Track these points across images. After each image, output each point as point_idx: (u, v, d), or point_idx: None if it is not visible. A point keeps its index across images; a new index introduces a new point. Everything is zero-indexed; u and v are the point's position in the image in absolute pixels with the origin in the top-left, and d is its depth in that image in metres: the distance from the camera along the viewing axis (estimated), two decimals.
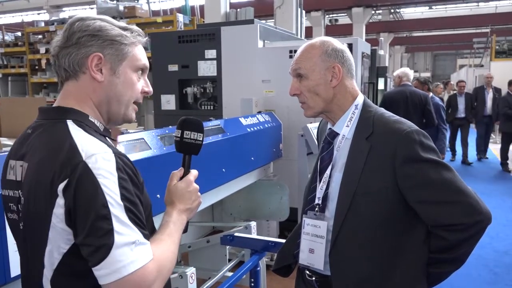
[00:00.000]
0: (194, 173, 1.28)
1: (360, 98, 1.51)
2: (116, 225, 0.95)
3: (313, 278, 1.53)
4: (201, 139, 1.29)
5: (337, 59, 1.45)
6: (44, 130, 1.08)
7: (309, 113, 1.52)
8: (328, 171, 1.48)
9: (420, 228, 1.42)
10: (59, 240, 1.00)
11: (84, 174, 0.96)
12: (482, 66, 20.40)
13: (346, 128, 1.47)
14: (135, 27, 1.18)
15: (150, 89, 1.22)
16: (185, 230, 1.24)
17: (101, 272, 0.95)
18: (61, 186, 0.96)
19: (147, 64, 1.21)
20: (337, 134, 1.50)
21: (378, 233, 1.39)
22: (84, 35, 1.09)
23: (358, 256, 1.41)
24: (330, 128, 1.54)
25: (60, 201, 0.97)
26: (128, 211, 0.98)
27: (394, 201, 1.37)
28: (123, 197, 0.98)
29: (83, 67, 1.10)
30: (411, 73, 5.40)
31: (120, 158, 1.03)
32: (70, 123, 1.07)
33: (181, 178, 1.26)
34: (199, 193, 1.26)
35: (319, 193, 1.49)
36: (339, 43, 1.50)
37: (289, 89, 1.51)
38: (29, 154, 1.07)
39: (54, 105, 1.14)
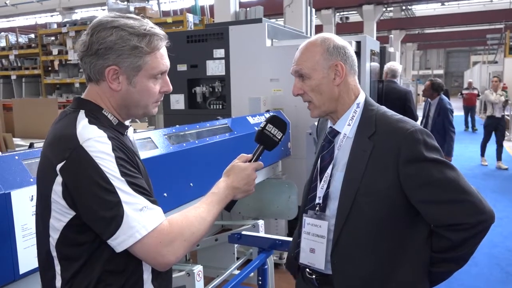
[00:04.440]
0: (259, 163, 1.38)
1: (362, 97, 1.50)
2: (122, 196, 1.06)
3: (313, 276, 1.52)
4: (279, 137, 1.42)
5: (339, 56, 1.43)
6: (63, 117, 1.19)
7: (316, 113, 1.49)
8: (329, 170, 1.46)
9: (422, 228, 1.41)
10: (57, 213, 1.11)
11: (82, 156, 1.06)
12: (496, 62, 20.15)
13: (347, 126, 1.46)
14: (157, 31, 1.20)
15: (169, 87, 1.27)
16: (229, 208, 1.33)
17: (117, 240, 1.06)
18: (59, 166, 1.07)
19: (166, 67, 1.24)
20: (338, 132, 1.48)
21: (380, 232, 1.38)
22: (101, 47, 1.14)
23: (360, 255, 1.40)
24: (330, 127, 1.52)
25: (59, 179, 1.08)
26: (130, 184, 1.08)
27: (397, 200, 1.36)
28: (123, 173, 1.08)
29: (102, 75, 1.18)
30: (399, 69, 5.35)
31: (114, 141, 1.12)
32: (81, 113, 1.17)
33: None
34: (254, 182, 1.36)
35: (320, 192, 1.48)
36: (340, 40, 1.47)
37: (292, 89, 1.49)
38: (47, 139, 1.19)
39: (77, 96, 1.25)
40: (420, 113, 5.56)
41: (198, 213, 1.18)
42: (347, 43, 1.48)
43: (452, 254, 1.39)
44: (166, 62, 1.23)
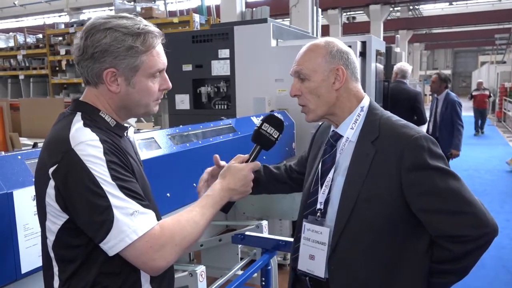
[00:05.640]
0: (256, 163, 1.37)
1: (366, 100, 1.46)
2: (113, 201, 1.05)
3: (307, 278, 1.49)
4: (276, 136, 1.42)
5: (341, 60, 1.40)
6: (61, 119, 1.19)
7: (311, 116, 1.46)
8: (330, 175, 1.43)
9: (423, 238, 1.38)
10: (52, 216, 1.12)
11: (73, 160, 1.06)
12: (504, 62, 19.99)
13: (350, 130, 1.42)
14: (151, 29, 1.19)
15: (168, 85, 1.26)
16: (226, 210, 1.33)
17: (108, 244, 1.05)
18: (51, 170, 1.07)
19: (164, 64, 1.23)
20: (341, 136, 1.45)
21: (379, 240, 1.34)
22: (96, 50, 1.13)
23: (358, 263, 1.36)
24: (333, 130, 1.49)
25: (51, 183, 1.08)
26: (122, 188, 1.07)
27: (397, 208, 1.33)
28: (114, 177, 1.07)
29: (100, 79, 1.17)
30: (409, 69, 5.32)
31: (107, 144, 1.11)
32: (77, 116, 1.17)
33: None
34: (251, 183, 1.35)
35: (321, 197, 1.44)
36: (344, 45, 1.44)
37: (290, 90, 1.47)
38: (44, 141, 1.19)
39: (76, 98, 1.25)
40: (428, 114, 5.51)
41: (191, 216, 1.17)
42: (351, 50, 1.46)
43: (452, 266, 1.35)
44: (163, 60, 1.22)
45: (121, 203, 1.06)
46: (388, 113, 1.46)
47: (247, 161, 1.38)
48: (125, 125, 1.28)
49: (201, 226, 1.18)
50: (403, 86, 5.17)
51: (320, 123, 1.70)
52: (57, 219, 1.11)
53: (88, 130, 1.12)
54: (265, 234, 2.92)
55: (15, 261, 1.46)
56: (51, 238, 1.14)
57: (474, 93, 14.46)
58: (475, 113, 13.98)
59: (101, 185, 1.05)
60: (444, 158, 1.35)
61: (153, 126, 6.57)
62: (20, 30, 14.33)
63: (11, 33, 13.14)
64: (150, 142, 2.26)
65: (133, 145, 1.33)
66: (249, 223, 3.25)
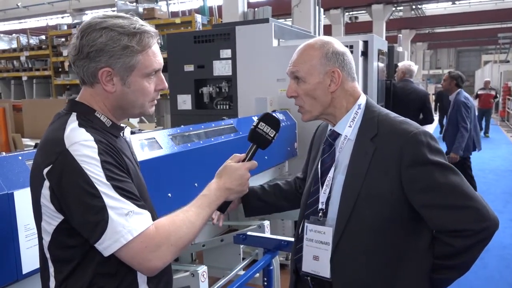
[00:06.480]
0: (252, 163, 1.37)
1: (363, 99, 1.47)
2: (107, 201, 1.04)
3: (308, 278, 1.48)
4: (272, 135, 1.41)
5: (337, 63, 1.40)
6: (56, 120, 1.19)
7: (306, 117, 1.47)
8: (330, 174, 1.43)
9: (424, 234, 1.38)
10: (47, 217, 1.12)
11: (67, 161, 1.05)
12: (507, 62, 19.91)
13: (348, 128, 1.43)
14: (147, 29, 1.19)
15: (164, 85, 1.26)
16: (223, 209, 1.34)
17: (103, 245, 1.05)
18: (46, 170, 1.07)
19: (160, 64, 1.23)
20: (339, 134, 1.45)
21: (381, 238, 1.34)
22: (92, 50, 1.13)
23: (360, 261, 1.36)
24: (331, 129, 1.49)
25: (46, 183, 1.08)
26: (116, 188, 1.06)
27: (399, 204, 1.33)
28: (109, 177, 1.06)
29: (96, 78, 1.17)
30: (415, 69, 5.30)
31: (102, 144, 1.10)
32: (72, 116, 1.17)
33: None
34: (248, 183, 1.34)
35: (323, 197, 1.44)
36: (340, 45, 1.44)
37: (286, 91, 1.47)
38: (39, 142, 1.19)
39: (72, 98, 1.25)
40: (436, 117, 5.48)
41: (187, 216, 1.16)
42: (347, 49, 1.46)
43: (454, 261, 1.35)
44: (159, 60, 1.22)
45: (115, 203, 1.05)
46: (385, 110, 1.47)
47: (243, 161, 1.38)
48: (121, 125, 1.27)
49: (197, 226, 1.17)
50: (411, 85, 5.13)
51: (318, 124, 1.70)
52: (52, 219, 1.11)
53: (83, 130, 1.11)
54: (267, 234, 2.92)
55: (16, 261, 1.45)
56: (46, 238, 1.14)
57: (479, 92, 14.10)
58: (478, 113, 13.74)
59: (95, 186, 1.04)
60: (443, 153, 1.35)
61: (156, 127, 6.58)
62: (23, 31, 14.38)
63: (14, 35, 13.20)
64: (151, 142, 2.26)
65: (130, 145, 1.32)
66: (251, 223, 3.24)
